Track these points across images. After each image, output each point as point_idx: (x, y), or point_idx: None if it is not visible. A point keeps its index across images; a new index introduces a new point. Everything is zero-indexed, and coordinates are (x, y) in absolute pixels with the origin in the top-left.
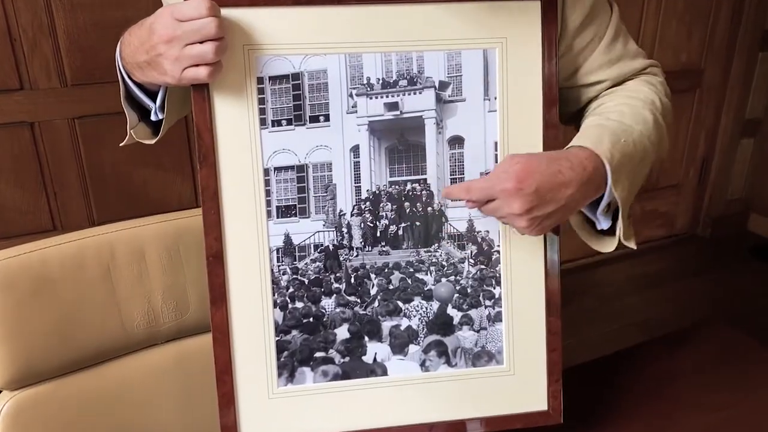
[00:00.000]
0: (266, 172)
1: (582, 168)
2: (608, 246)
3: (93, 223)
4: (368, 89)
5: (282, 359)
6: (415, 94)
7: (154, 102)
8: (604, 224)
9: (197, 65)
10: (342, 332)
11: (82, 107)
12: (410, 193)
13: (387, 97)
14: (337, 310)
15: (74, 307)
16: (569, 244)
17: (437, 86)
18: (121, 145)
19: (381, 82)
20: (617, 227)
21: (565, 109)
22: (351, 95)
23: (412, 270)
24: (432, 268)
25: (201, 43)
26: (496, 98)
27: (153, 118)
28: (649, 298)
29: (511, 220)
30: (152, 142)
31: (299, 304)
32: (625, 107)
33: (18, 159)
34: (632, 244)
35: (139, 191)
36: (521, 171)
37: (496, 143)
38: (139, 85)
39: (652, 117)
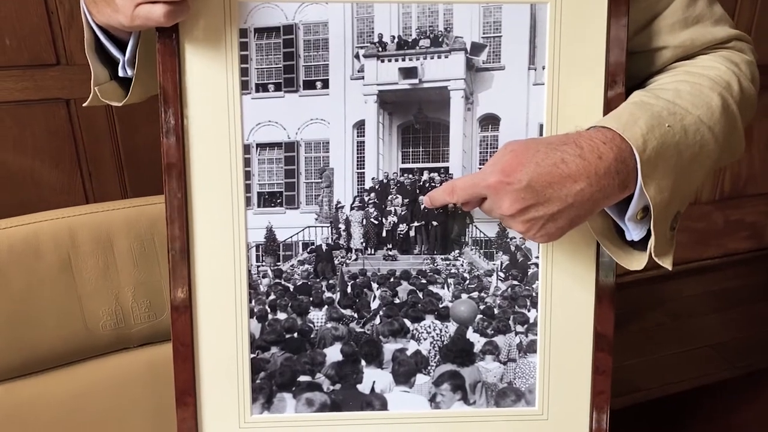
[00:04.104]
0: (246, 148)
1: (596, 156)
2: (637, 263)
3: None
4: (379, 49)
5: (258, 381)
6: (439, 58)
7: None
8: (634, 234)
9: (153, 2)
10: (333, 353)
11: None
12: (427, 185)
13: (403, 60)
14: (329, 325)
15: (26, 301)
16: None
17: (468, 49)
18: (84, 105)
19: (396, 40)
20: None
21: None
22: (357, 56)
23: (424, 281)
24: (450, 280)
25: None
26: (544, 68)
27: (121, 73)
28: (728, 319)
29: (505, 223)
30: (120, 104)
31: (281, 315)
32: (684, 85)
33: (53, 136)
34: (668, 264)
35: None
36: (509, 162)
37: (541, 126)
38: (111, 35)
39: (720, 102)
